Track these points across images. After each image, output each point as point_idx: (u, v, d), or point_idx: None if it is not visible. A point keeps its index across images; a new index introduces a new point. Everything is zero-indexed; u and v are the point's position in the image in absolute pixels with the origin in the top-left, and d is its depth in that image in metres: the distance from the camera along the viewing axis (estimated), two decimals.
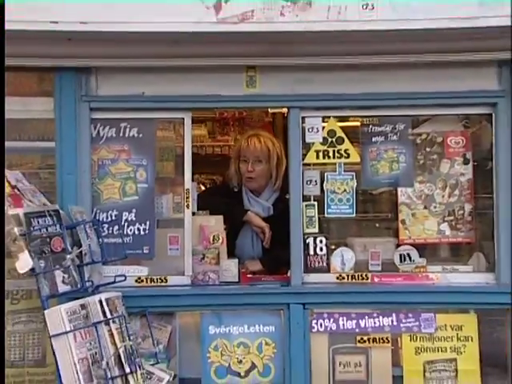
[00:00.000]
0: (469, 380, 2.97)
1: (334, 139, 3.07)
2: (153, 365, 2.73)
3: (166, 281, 3.01)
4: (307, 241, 3.05)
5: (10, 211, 2.44)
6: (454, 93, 3.00)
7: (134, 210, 3.02)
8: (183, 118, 3.06)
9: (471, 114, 3.13)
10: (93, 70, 2.96)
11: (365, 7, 2.66)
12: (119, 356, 2.48)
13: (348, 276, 3.05)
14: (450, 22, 2.66)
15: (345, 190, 3.08)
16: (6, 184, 2.61)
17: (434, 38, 2.77)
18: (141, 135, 3.04)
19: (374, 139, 3.10)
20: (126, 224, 3.01)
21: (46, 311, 2.40)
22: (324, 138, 3.07)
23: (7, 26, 2.59)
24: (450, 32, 2.69)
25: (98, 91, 2.99)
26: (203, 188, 3.98)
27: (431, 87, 2.99)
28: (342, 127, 3.08)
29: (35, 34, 2.67)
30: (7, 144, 2.94)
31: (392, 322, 2.97)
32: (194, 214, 3.09)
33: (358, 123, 3.14)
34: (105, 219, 2.99)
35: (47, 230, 2.51)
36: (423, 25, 2.66)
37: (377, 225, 3.31)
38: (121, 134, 3.04)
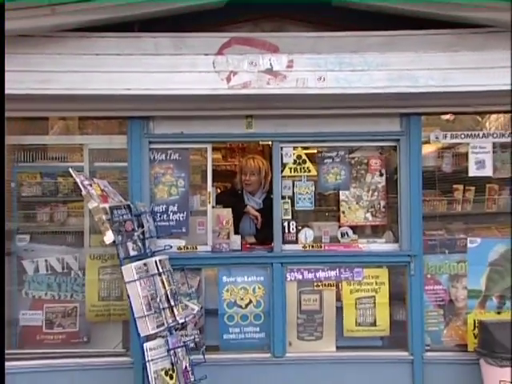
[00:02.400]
0: (382, 308, 2.99)
1: (300, 161, 3.06)
2: (188, 300, 2.75)
3: (196, 249, 3.00)
4: (284, 224, 3.03)
5: (100, 205, 2.45)
6: (374, 132, 3.00)
7: (176, 205, 3.00)
8: (206, 148, 3.03)
9: (384, 146, 3.11)
10: (151, 118, 2.95)
11: (319, 79, 2.71)
12: (167, 295, 2.51)
13: (309, 246, 3.05)
14: (371, 89, 2.71)
15: (307, 192, 3.08)
16: (98, 188, 2.59)
17: (362, 99, 2.80)
18: (180, 158, 3.01)
19: (325, 161, 3.09)
20: (171, 213, 3.00)
21: (122, 267, 2.43)
22: (294, 160, 3.05)
23: (104, 92, 2.63)
24: (371, 96, 2.75)
25: (154, 131, 2.97)
26: (219, 191, 3.87)
27: (360, 128, 2.98)
28: (305, 153, 3.08)
29: (116, 96, 2.71)
30: (100, 164, 3.05)
31: (336, 274, 2.99)
32: (213, 207, 3.08)
33: (315, 151, 3.13)
34: (158, 210, 2.98)
35: (123, 217, 2.54)
36: (355, 91, 2.72)
37: (327, 214, 3.24)
38: (168, 158, 3.01)
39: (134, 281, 2.38)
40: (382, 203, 3.09)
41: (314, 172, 3.08)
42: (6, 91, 2.59)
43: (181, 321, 2.52)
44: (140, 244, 2.60)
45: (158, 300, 2.45)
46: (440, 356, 2.97)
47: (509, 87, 2.65)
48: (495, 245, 3.01)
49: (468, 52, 2.69)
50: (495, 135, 3.05)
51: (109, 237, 2.39)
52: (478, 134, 3.04)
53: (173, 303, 2.51)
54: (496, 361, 2.66)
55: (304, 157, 3.07)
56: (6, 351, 2.84)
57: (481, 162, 2.99)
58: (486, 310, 3.00)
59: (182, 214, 3.01)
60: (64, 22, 2.59)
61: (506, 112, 3.06)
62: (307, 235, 3.08)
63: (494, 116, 3.16)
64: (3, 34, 2.17)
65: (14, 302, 3.00)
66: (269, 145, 3.32)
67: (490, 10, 2.54)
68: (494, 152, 3.02)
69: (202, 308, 2.85)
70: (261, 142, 3.88)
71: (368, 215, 3.09)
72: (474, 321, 2.95)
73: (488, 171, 3.01)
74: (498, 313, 2.99)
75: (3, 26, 2.15)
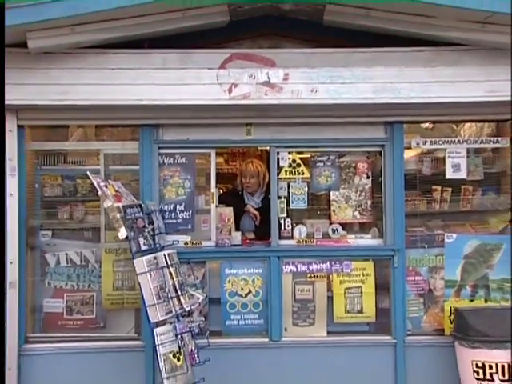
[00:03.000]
0: (368, 297, 3.01)
1: (295, 164, 3.06)
2: (193, 290, 2.76)
3: (201, 244, 3.00)
4: (280, 221, 3.03)
5: (115, 204, 2.44)
6: (361, 139, 3.01)
7: (183, 204, 3.01)
8: (210, 152, 3.03)
9: (370, 151, 3.11)
10: (160, 125, 2.96)
11: (312, 91, 2.74)
12: (175, 285, 2.52)
13: (303, 241, 3.05)
14: (358, 100, 2.74)
15: (301, 193, 3.07)
16: (112, 189, 2.60)
17: (350, 108, 2.82)
18: (187, 162, 3.02)
19: (317, 164, 3.09)
20: (178, 212, 3.00)
21: (134, 260, 2.43)
22: (289, 164, 3.06)
23: (118, 102, 2.66)
24: (358, 106, 2.78)
25: (163, 137, 2.98)
26: (222, 192, 3.84)
27: (348, 135, 2.99)
28: (300, 157, 3.07)
29: (128, 106, 2.75)
30: (114, 167, 3.05)
31: (327, 266, 3.01)
32: (216, 206, 3.07)
33: (309, 155, 3.11)
34: (167, 209, 3.00)
35: (135, 215, 2.54)
36: (344, 101, 2.75)
37: (319, 212, 3.23)
38: (175, 161, 3.01)
39: (145, 273, 2.40)
40: (369, 202, 3.11)
41: (307, 174, 3.10)
42: (30, 102, 2.67)
43: (187, 308, 2.55)
44: (150, 239, 2.62)
45: (167, 290, 2.48)
46: (420, 339, 3.00)
47: (479, 99, 2.70)
48: (469, 240, 3.05)
49: (445, 67, 2.73)
50: (469, 141, 3.09)
51: (122, 233, 2.41)
52: (454, 141, 3.07)
53: (180, 293, 2.54)
54: (469, 343, 2.71)
55: (298, 161, 3.09)
56: (32, 335, 2.94)
57: (456, 166, 3.03)
58: (461, 298, 3.03)
59: (188, 213, 3.02)
60: (82, 40, 2.63)
61: (478, 121, 3.13)
62: (301, 231, 3.09)
63: (467, 124, 3.20)
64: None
65: (38, 291, 3.04)
66: (266, 150, 3.33)
67: (462, 30, 2.59)
68: (467, 157, 3.06)
69: (206, 297, 2.87)
70: (259, 148, 3.89)
71: (356, 213, 3.12)
72: (450, 308, 2.99)
73: (463, 174, 3.05)
74: (471, 300, 3.03)
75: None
